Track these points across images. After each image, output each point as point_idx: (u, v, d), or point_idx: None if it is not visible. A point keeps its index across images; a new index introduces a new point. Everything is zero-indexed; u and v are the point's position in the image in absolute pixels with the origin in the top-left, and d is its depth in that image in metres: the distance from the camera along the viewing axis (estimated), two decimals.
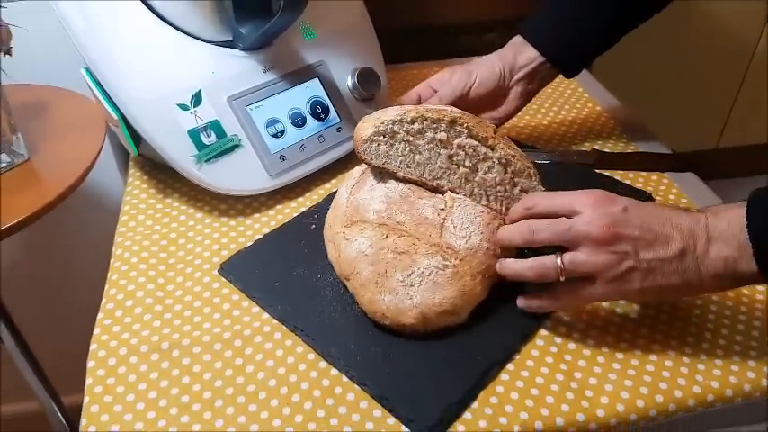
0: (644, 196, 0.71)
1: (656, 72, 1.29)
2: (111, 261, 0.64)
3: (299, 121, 0.72)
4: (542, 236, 0.53)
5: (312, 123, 0.73)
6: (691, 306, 0.59)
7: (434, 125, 0.59)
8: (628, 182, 0.73)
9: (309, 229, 0.67)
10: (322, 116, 0.74)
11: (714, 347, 0.55)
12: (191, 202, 0.71)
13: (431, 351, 0.54)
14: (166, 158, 0.66)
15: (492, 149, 0.59)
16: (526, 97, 0.74)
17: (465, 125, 0.59)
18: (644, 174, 0.75)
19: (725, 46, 1.32)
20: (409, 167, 0.59)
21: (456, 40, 1.07)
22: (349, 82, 0.76)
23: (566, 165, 0.76)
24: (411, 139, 0.59)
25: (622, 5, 0.70)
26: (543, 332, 0.57)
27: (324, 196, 0.72)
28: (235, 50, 0.70)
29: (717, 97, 1.53)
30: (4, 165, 0.68)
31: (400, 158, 0.59)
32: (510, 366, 0.54)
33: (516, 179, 0.60)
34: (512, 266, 0.55)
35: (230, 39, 0.71)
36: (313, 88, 0.74)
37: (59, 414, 1.07)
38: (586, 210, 0.51)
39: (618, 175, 0.75)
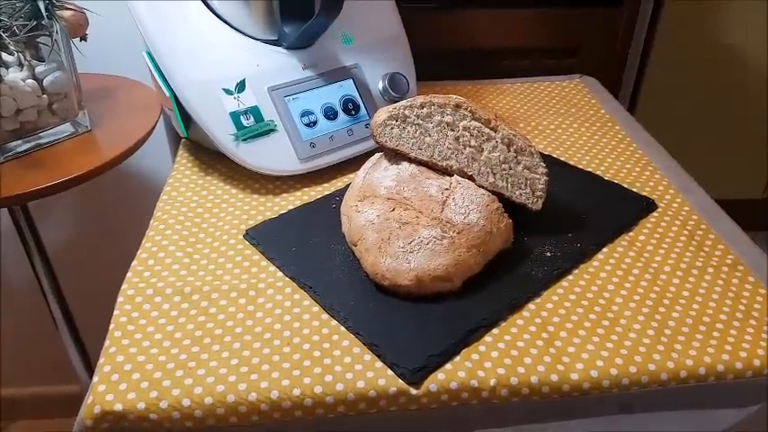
0: (648, 203, 0.74)
1: (705, 120, 1.31)
2: (152, 221, 0.73)
3: (330, 115, 0.80)
4: None
5: (343, 118, 0.81)
6: (680, 288, 0.62)
7: (441, 109, 0.65)
8: (635, 190, 0.77)
9: (330, 207, 0.74)
10: (353, 112, 0.81)
11: (695, 328, 0.58)
12: (228, 181, 0.79)
13: (423, 311, 0.59)
14: (209, 134, 0.74)
15: (494, 130, 0.65)
16: None
17: (468, 109, 0.65)
18: (651, 184, 0.79)
19: None
20: (420, 149, 0.66)
21: (494, 63, 1.14)
22: (380, 85, 0.84)
23: (571, 168, 0.80)
24: (421, 122, 0.65)
25: None
26: (531, 306, 0.61)
27: (348, 184, 0.79)
28: (279, 48, 0.79)
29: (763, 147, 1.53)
30: (67, 133, 0.78)
31: (412, 140, 0.66)
32: (494, 331, 0.58)
33: (519, 157, 0.65)
34: None
35: (276, 38, 0.80)
36: (347, 87, 0.82)
37: None
38: None
39: (626, 182, 0.78)
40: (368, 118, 0.82)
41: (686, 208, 0.74)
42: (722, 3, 1.06)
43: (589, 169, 0.81)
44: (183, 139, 0.88)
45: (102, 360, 0.55)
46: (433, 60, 0.93)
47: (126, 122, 0.83)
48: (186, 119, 0.77)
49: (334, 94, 0.81)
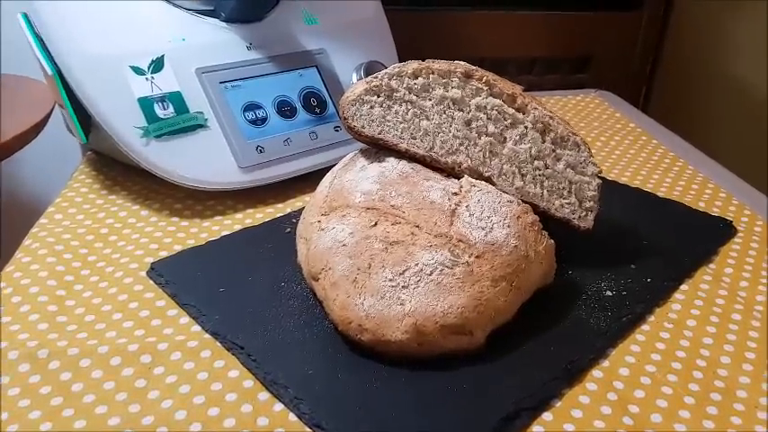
0: (724, 225, 0.54)
1: (727, 139, 1.10)
2: (16, 253, 0.49)
3: (286, 111, 0.59)
4: None
5: (303, 116, 0.59)
6: None
7: (444, 79, 0.44)
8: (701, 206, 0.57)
9: (282, 232, 0.51)
10: (317, 110, 0.60)
11: None
12: (139, 200, 0.57)
13: (427, 384, 0.36)
14: (106, 127, 0.52)
15: (522, 111, 0.44)
16: None
17: (484, 79, 0.44)
18: (718, 203, 0.58)
19: None
20: (414, 138, 0.44)
21: None
22: (354, 77, 0.63)
23: (614, 185, 0.60)
24: (415, 98, 0.44)
25: None
26: (597, 374, 0.38)
27: None
28: (215, 20, 0.58)
29: None
30: None
31: (402, 126, 0.44)
32: (546, 416, 0.35)
33: (559, 150, 0.44)
34: None
35: (212, 8, 0.59)
36: (309, 78, 0.61)
37: None
38: None
39: (686, 202, 0.58)
40: (338, 118, 0.61)
41: None
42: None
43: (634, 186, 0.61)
44: (87, 153, 0.65)
45: None
46: None
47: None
48: (82, 114, 0.55)
49: (291, 84, 0.60)
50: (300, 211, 0.54)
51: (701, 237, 0.52)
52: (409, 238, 0.39)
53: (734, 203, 0.59)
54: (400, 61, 0.68)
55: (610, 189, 0.59)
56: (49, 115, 0.62)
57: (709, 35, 0.96)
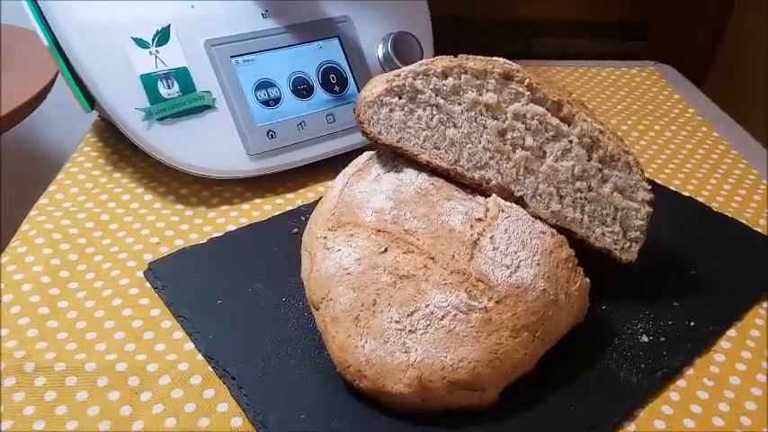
0: None
1: None
2: (12, 240, 0.46)
3: (302, 90, 0.53)
4: None
5: (321, 96, 0.54)
6: None
7: (478, 81, 0.38)
8: (759, 230, 0.50)
9: (289, 233, 0.47)
10: (336, 89, 0.55)
11: None
12: (144, 181, 0.53)
13: None
14: (106, 108, 0.48)
15: (568, 123, 0.38)
16: None
17: (526, 82, 0.38)
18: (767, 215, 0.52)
19: None
20: (438, 148, 0.39)
21: (534, 41, 0.86)
22: (380, 50, 0.57)
23: (661, 192, 0.54)
24: (442, 102, 0.39)
25: None
26: None
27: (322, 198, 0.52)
28: None
29: None
30: None
31: (424, 133, 0.39)
32: None
33: (606, 171, 0.39)
34: None
35: None
36: (329, 50, 0.55)
37: None
38: None
39: (743, 218, 0.52)
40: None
41: None
42: None
43: (686, 194, 0.55)
44: (95, 121, 0.62)
45: None
46: (451, 34, 0.66)
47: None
48: (83, 84, 0.51)
49: (309, 58, 0.54)
50: (311, 205, 0.51)
51: (759, 267, 0.46)
52: (422, 272, 0.35)
53: None
54: (434, 31, 0.62)
55: (657, 197, 0.53)
56: (56, 77, 0.58)
57: None
